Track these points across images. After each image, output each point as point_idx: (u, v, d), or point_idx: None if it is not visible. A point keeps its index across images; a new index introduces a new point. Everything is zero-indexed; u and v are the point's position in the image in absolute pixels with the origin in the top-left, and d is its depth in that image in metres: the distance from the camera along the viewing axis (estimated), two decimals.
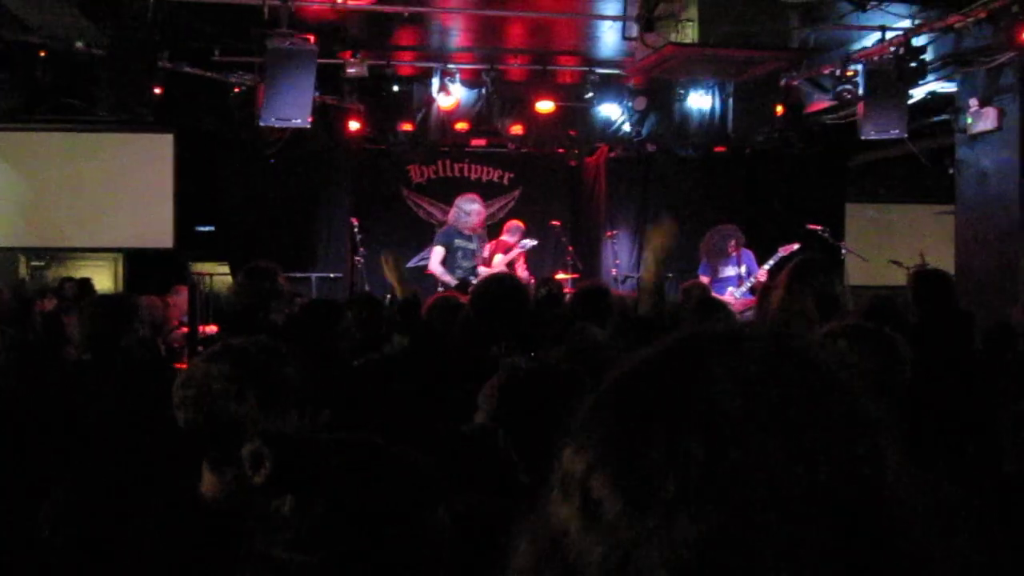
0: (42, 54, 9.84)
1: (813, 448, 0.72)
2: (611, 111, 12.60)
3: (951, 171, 10.49)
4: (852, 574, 0.69)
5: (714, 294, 9.27)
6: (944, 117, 10.47)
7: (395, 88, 11.83)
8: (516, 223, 11.76)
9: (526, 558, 0.80)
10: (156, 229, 12.71)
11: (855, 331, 2.42)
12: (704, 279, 10.66)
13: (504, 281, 4.75)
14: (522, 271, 11.14)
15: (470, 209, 10.67)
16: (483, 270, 10.47)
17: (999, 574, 2.26)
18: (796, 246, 10.34)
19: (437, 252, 10.49)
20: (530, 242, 11.26)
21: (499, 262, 11.02)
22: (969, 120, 9.63)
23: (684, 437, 0.72)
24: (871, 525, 0.71)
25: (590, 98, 12.02)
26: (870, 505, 0.71)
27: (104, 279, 12.61)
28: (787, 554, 0.68)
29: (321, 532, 1.24)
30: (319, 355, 4.13)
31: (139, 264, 12.73)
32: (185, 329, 9.37)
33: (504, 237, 11.45)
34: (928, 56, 9.59)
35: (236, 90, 10.82)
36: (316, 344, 4.34)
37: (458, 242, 10.57)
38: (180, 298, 10.08)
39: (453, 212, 10.85)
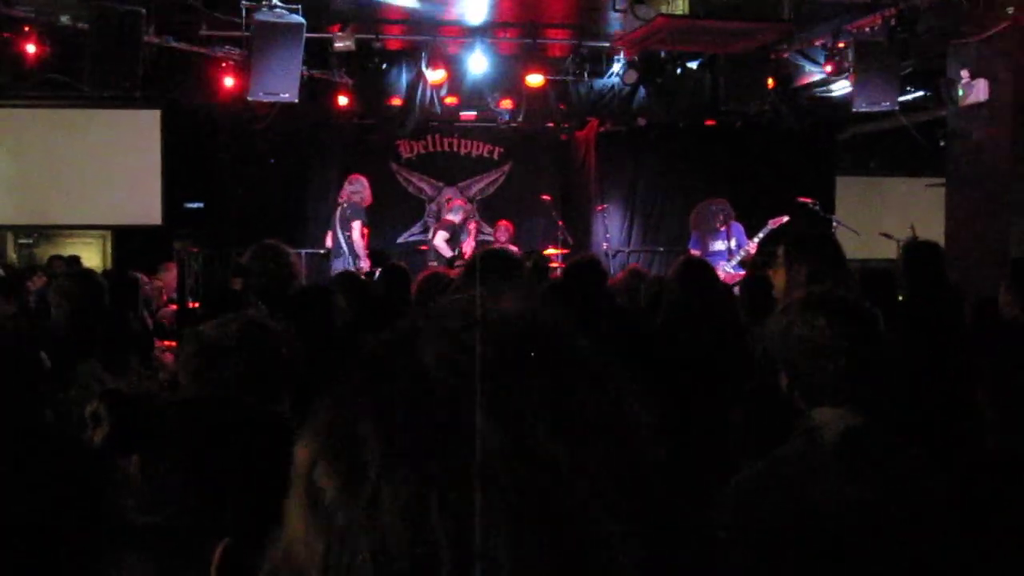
0: (27, 29, 9.74)
1: (510, 408, 0.71)
2: (601, 85, 12.54)
3: (942, 143, 10.47)
4: (556, 544, 0.68)
5: None
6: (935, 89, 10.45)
7: (383, 63, 11.75)
8: (459, 203, 12.41)
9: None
10: (144, 206, 12.64)
11: (831, 302, 2.39)
12: (695, 252, 10.65)
13: (500, 254, 4.73)
14: (469, 243, 11.76)
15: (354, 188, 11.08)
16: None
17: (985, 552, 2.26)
18: (785, 218, 10.34)
19: (357, 224, 10.76)
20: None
21: (440, 240, 11.57)
22: (960, 92, 9.60)
23: (388, 404, 0.72)
24: (568, 489, 0.70)
25: (580, 72, 11.96)
26: (572, 468, 0.70)
27: (92, 257, 12.57)
28: (483, 520, 0.67)
29: (165, 492, 1.23)
30: (316, 335, 4.11)
31: (127, 241, 12.67)
32: (174, 307, 9.36)
33: (447, 216, 11.96)
34: (919, 27, 9.54)
35: (224, 65, 10.74)
36: (312, 324, 4.32)
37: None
38: (169, 275, 10.06)
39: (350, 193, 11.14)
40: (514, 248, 10.85)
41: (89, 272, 5.27)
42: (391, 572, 0.67)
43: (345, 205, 10.94)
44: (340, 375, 0.80)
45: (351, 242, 10.68)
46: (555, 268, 10.54)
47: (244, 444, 1.28)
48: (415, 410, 0.71)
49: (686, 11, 7.58)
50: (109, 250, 13.01)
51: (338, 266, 10.45)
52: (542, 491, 0.69)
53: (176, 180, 12.74)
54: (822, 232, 4.25)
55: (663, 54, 11.64)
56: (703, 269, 4.92)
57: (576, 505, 0.69)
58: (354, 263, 10.43)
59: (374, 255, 10.45)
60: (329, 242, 11.15)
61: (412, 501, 0.67)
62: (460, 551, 0.66)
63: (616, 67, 12.03)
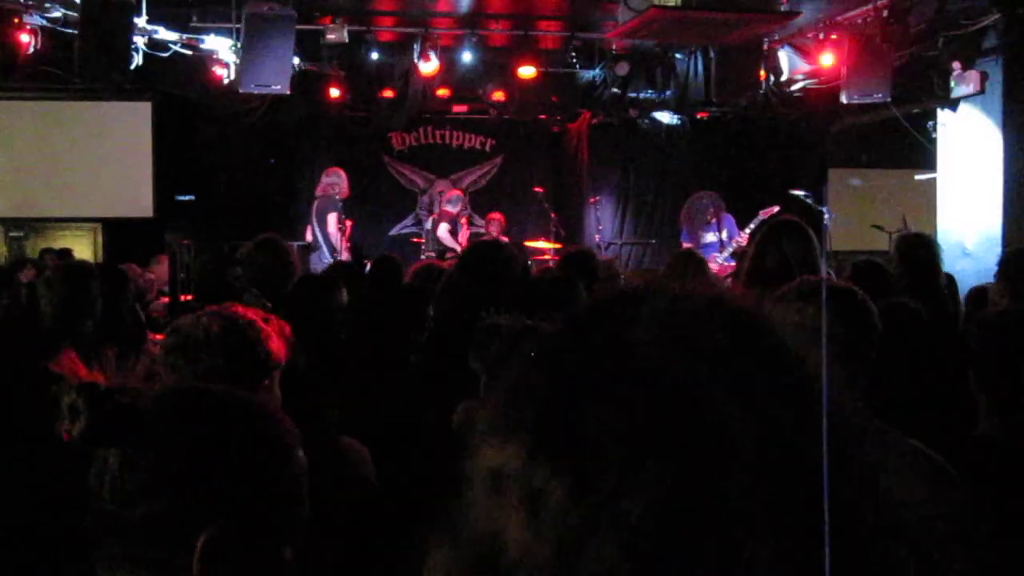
0: (17, 21, 9.69)
1: (767, 404, 0.68)
2: (594, 77, 12.52)
3: (934, 136, 10.48)
4: (811, 543, 0.64)
5: None
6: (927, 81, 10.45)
7: (375, 55, 11.73)
8: (456, 192, 12.40)
9: (453, 568, 0.73)
10: (135, 198, 12.59)
11: (826, 291, 2.40)
12: (686, 245, 10.67)
13: (493, 246, 4.74)
14: (464, 236, 11.72)
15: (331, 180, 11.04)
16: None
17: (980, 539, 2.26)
18: (776, 209, 10.34)
19: (332, 217, 10.74)
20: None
21: (444, 231, 11.60)
22: (952, 84, 9.61)
23: (628, 399, 0.67)
24: (835, 490, 0.66)
25: (572, 64, 11.94)
26: (834, 469, 0.66)
27: (83, 249, 12.51)
28: (742, 519, 0.63)
29: (145, 486, 1.22)
30: (314, 330, 4.10)
31: (118, 234, 12.62)
32: (166, 299, 9.33)
33: (446, 207, 11.95)
34: (911, 19, 9.54)
35: (215, 57, 10.69)
36: (311, 319, 4.31)
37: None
38: (160, 268, 10.03)
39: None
40: (505, 239, 10.87)
41: (79, 263, 5.25)
42: (643, 571, 0.63)
43: (320, 198, 10.92)
44: (510, 370, 0.74)
45: (326, 235, 10.65)
46: (547, 260, 10.56)
47: (224, 435, 1.27)
48: (655, 401, 0.66)
49: (678, 2, 7.56)
50: (100, 243, 12.95)
51: (316, 260, 10.42)
52: (801, 483, 0.65)
53: (167, 172, 12.69)
54: (796, 219, 4.22)
55: (655, 46, 11.63)
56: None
57: (834, 494, 0.66)
58: (331, 256, 10.40)
59: (354, 248, 10.43)
60: (309, 236, 11.12)
61: (662, 495, 0.63)
62: (720, 543, 0.63)
63: (608, 59, 12.02)
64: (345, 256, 10.46)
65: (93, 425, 1.20)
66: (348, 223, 10.85)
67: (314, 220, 10.86)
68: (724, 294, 0.77)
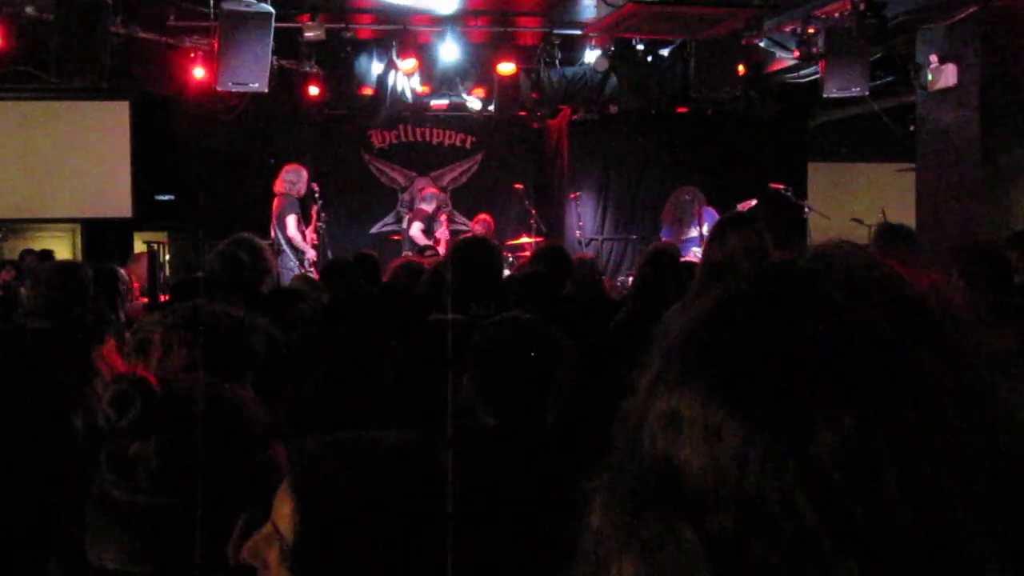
0: None
1: (965, 364, 0.70)
2: (573, 73, 12.52)
3: (912, 128, 10.53)
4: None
5: None
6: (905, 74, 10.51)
7: (354, 52, 11.69)
8: (432, 190, 12.29)
9: (615, 513, 0.75)
10: (114, 199, 12.53)
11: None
12: (667, 240, 10.70)
13: (479, 243, 4.74)
14: (442, 234, 11.61)
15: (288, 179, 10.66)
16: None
17: None
18: (753, 202, 10.37)
19: (292, 220, 10.38)
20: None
21: (416, 230, 11.50)
22: (930, 77, 9.66)
23: (827, 347, 0.69)
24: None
25: (552, 60, 11.93)
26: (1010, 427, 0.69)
27: (63, 250, 12.45)
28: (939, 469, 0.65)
29: (175, 475, 1.25)
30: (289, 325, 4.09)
31: (97, 234, 12.55)
32: (145, 299, 9.27)
33: (421, 205, 11.85)
34: (888, 13, 9.58)
35: (193, 55, 10.64)
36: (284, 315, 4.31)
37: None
38: (139, 268, 9.97)
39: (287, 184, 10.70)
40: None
41: (71, 263, 5.24)
42: (835, 521, 0.65)
43: (280, 196, 10.54)
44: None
45: (288, 239, 10.30)
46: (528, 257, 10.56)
47: (247, 431, 1.30)
48: (855, 349, 0.68)
49: None
50: (79, 243, 12.88)
51: (282, 264, 10.03)
52: (994, 446, 0.67)
53: (146, 172, 12.63)
54: (744, 212, 4.25)
55: (635, 41, 11.64)
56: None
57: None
58: (296, 257, 10.21)
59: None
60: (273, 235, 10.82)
61: (855, 444, 0.65)
62: (913, 496, 0.64)
63: (588, 55, 12.01)
64: (311, 255, 10.32)
65: (146, 415, 1.22)
66: (323, 215, 10.75)
67: (273, 222, 10.47)
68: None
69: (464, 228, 12.67)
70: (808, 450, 0.66)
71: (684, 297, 2.65)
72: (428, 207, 11.89)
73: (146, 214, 12.40)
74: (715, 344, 0.74)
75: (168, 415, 1.27)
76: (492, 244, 4.85)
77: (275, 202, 10.63)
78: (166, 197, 12.78)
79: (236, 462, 1.28)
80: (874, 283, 0.74)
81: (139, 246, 11.88)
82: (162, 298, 8.88)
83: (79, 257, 12.50)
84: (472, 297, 3.98)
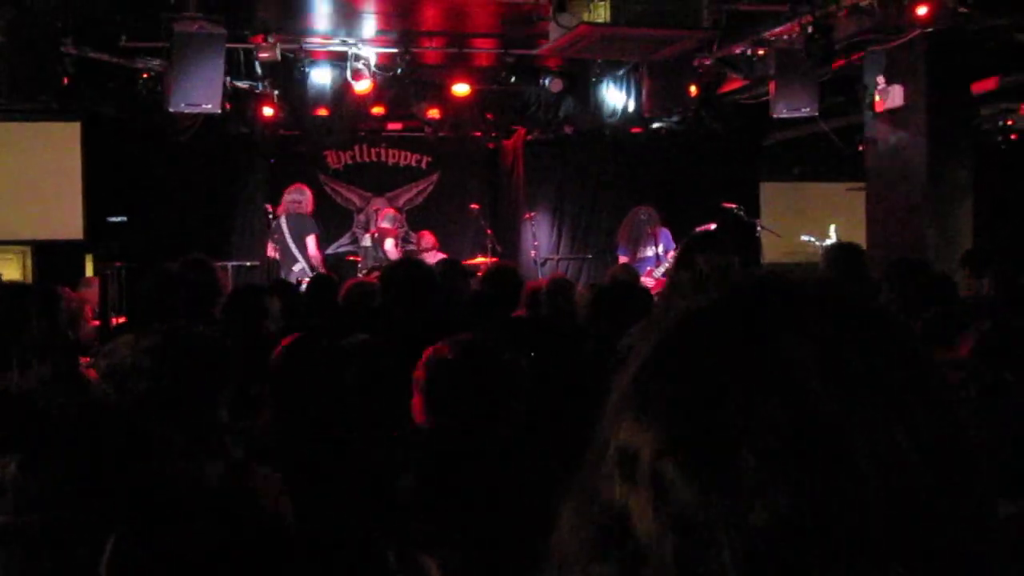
0: None
1: (907, 407, 0.68)
2: (528, 94, 12.59)
3: (860, 148, 10.70)
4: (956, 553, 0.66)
5: None
6: (853, 95, 10.68)
7: (308, 73, 11.68)
8: (390, 211, 12.47)
9: (579, 536, 0.75)
10: (65, 220, 12.36)
11: None
12: (623, 259, 10.75)
13: (413, 265, 4.76)
14: (393, 253, 11.62)
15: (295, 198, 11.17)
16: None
17: None
18: (713, 226, 10.45)
19: (312, 240, 11.01)
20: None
21: (391, 246, 11.64)
22: (877, 97, 9.82)
23: (762, 400, 0.68)
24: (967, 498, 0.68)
25: (506, 81, 11.99)
26: (964, 472, 0.69)
27: (12, 272, 12.24)
28: (883, 527, 0.64)
29: (44, 493, 1.22)
30: (251, 339, 4.10)
31: (48, 256, 12.39)
32: (96, 322, 9.17)
33: (383, 224, 11.95)
34: (836, 35, 9.74)
35: (145, 76, 10.58)
36: (246, 329, 4.30)
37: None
38: (91, 291, 9.86)
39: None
40: (442, 255, 10.87)
41: (12, 283, 5.18)
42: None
43: (291, 215, 10.95)
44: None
45: (307, 257, 10.82)
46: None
47: (123, 445, 1.27)
48: (794, 408, 0.67)
49: (607, 19, 7.64)
50: (30, 265, 12.70)
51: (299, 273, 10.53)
52: (931, 523, 0.66)
53: (98, 193, 12.49)
54: (712, 232, 4.29)
55: (590, 62, 11.73)
56: None
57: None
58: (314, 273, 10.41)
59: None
60: (271, 252, 11.05)
61: (794, 514, 0.64)
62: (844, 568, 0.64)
63: (542, 76, 12.08)
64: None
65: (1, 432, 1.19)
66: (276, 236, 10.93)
67: (288, 238, 10.88)
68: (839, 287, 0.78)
69: (414, 248, 12.66)
70: (747, 521, 0.65)
71: (647, 318, 2.69)
72: (390, 226, 11.88)
73: (98, 235, 12.26)
74: (670, 386, 0.73)
75: (35, 432, 1.23)
76: (425, 265, 4.87)
77: (283, 219, 11.01)
78: (118, 219, 12.64)
79: (119, 478, 1.24)
80: (831, 319, 0.73)
81: (91, 268, 11.78)
82: (114, 320, 8.79)
83: (30, 280, 12.33)
84: (407, 321, 3.99)
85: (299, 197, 11.06)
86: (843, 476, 0.65)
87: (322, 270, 10.49)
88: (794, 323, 0.72)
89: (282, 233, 10.95)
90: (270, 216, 11.28)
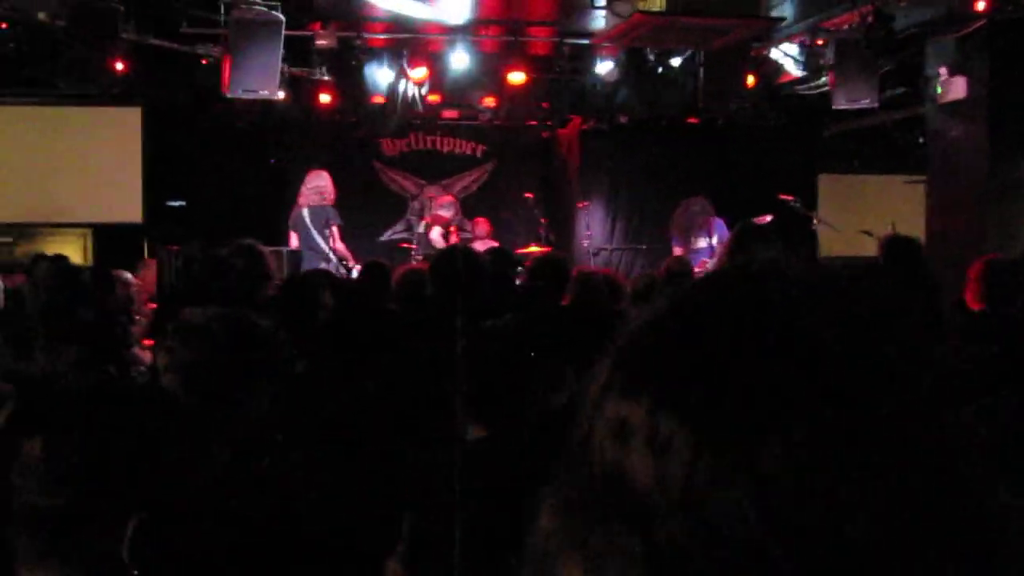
0: (3, 26, 9.69)
1: (913, 380, 0.69)
2: (583, 82, 12.54)
3: (921, 140, 10.52)
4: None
5: None
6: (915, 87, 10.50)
7: (365, 60, 11.73)
8: (448, 199, 12.33)
9: (571, 517, 0.75)
10: (125, 204, 12.58)
11: None
12: (678, 250, 10.69)
13: (461, 253, 4.76)
14: (439, 242, 11.48)
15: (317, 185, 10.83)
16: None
17: None
18: (768, 218, 10.34)
19: (336, 230, 10.71)
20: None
21: (436, 235, 11.48)
22: (939, 89, 9.64)
23: (779, 359, 0.68)
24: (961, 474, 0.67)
25: (562, 69, 11.95)
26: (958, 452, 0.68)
27: (73, 255, 12.46)
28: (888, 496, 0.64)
29: (68, 473, 1.22)
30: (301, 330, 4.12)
31: (108, 240, 12.61)
32: (153, 305, 9.30)
33: (439, 212, 11.81)
34: (897, 25, 9.58)
35: (204, 62, 10.69)
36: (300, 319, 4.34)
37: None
38: (148, 273, 10.01)
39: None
40: (494, 244, 10.87)
41: (68, 265, 5.26)
42: (784, 534, 0.64)
43: (314, 208, 10.70)
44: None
45: (333, 248, 10.59)
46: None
47: (147, 427, 1.27)
48: (808, 362, 0.67)
49: (663, 8, 7.59)
50: (90, 248, 12.93)
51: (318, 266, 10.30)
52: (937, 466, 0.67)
53: (157, 178, 12.69)
54: (765, 224, 4.25)
55: (645, 52, 11.66)
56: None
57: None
58: (340, 265, 10.37)
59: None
60: (295, 243, 10.88)
61: (805, 458, 0.64)
62: (859, 507, 0.64)
63: (598, 65, 12.03)
64: (353, 262, 10.42)
65: (19, 413, 1.20)
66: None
67: (311, 228, 10.64)
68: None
69: (470, 236, 12.67)
70: (758, 462, 0.65)
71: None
72: (447, 214, 11.87)
73: (157, 219, 12.46)
74: (664, 351, 0.73)
75: (54, 413, 1.23)
76: (463, 252, 4.86)
77: (305, 210, 10.75)
78: (177, 203, 12.83)
79: (136, 461, 1.24)
80: (826, 293, 0.74)
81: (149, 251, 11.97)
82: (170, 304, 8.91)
83: (90, 262, 12.55)
84: (446, 307, 4.00)
85: (321, 183, 10.73)
86: (861, 422, 0.66)
87: (351, 263, 10.42)
88: (800, 301, 0.72)
89: (306, 227, 10.71)
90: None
